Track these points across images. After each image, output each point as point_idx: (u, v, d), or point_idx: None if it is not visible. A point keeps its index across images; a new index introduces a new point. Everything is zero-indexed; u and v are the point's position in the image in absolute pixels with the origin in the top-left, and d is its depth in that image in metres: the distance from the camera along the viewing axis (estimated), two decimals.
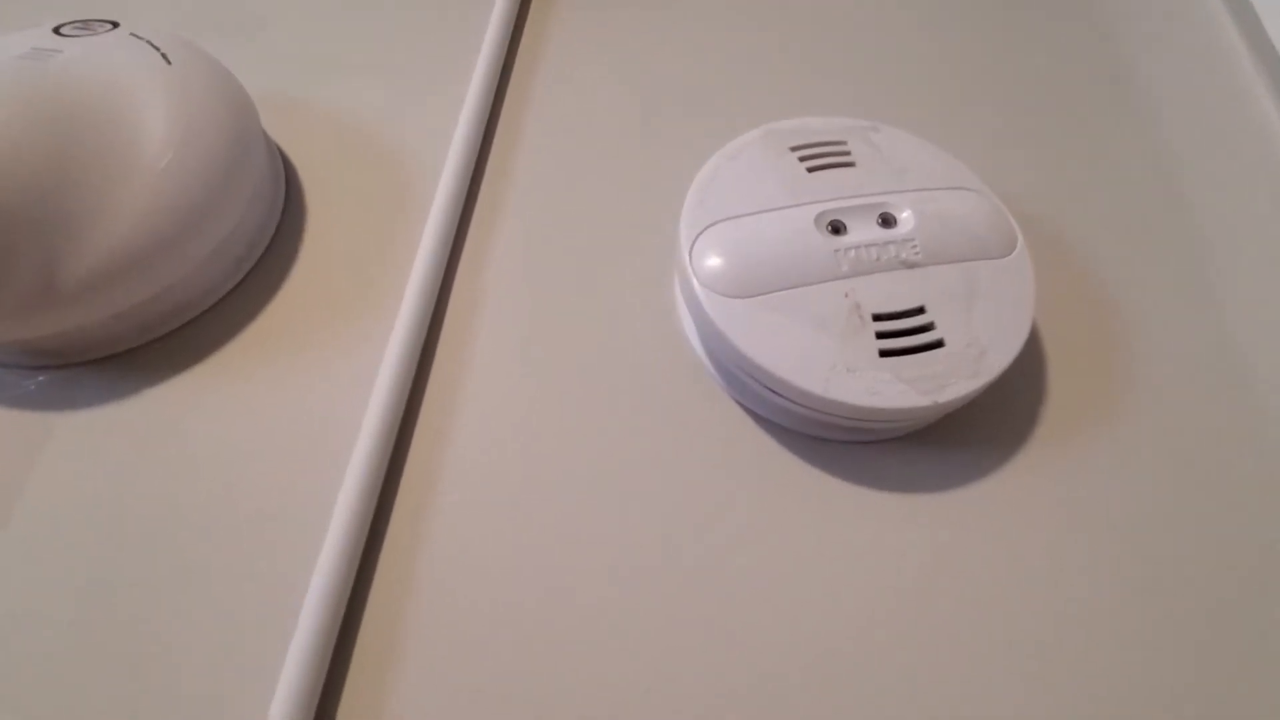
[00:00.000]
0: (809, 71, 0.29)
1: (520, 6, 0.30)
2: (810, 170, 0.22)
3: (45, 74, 0.20)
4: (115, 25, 0.22)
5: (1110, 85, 0.29)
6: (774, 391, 0.19)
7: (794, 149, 0.23)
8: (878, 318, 0.19)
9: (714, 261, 0.20)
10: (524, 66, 0.29)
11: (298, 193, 0.25)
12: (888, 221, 0.21)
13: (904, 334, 0.19)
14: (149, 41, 0.22)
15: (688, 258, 0.21)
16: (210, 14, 0.29)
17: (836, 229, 0.21)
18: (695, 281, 0.20)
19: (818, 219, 0.21)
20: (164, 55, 0.21)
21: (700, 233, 0.21)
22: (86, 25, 0.22)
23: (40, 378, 0.21)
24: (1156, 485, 0.21)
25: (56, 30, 0.22)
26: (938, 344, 0.19)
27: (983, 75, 0.29)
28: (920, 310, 0.20)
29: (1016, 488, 0.20)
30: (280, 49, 0.29)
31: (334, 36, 0.29)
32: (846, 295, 0.20)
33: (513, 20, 0.29)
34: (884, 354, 0.19)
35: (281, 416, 0.21)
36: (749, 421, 0.21)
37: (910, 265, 0.20)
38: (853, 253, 0.20)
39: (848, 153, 0.23)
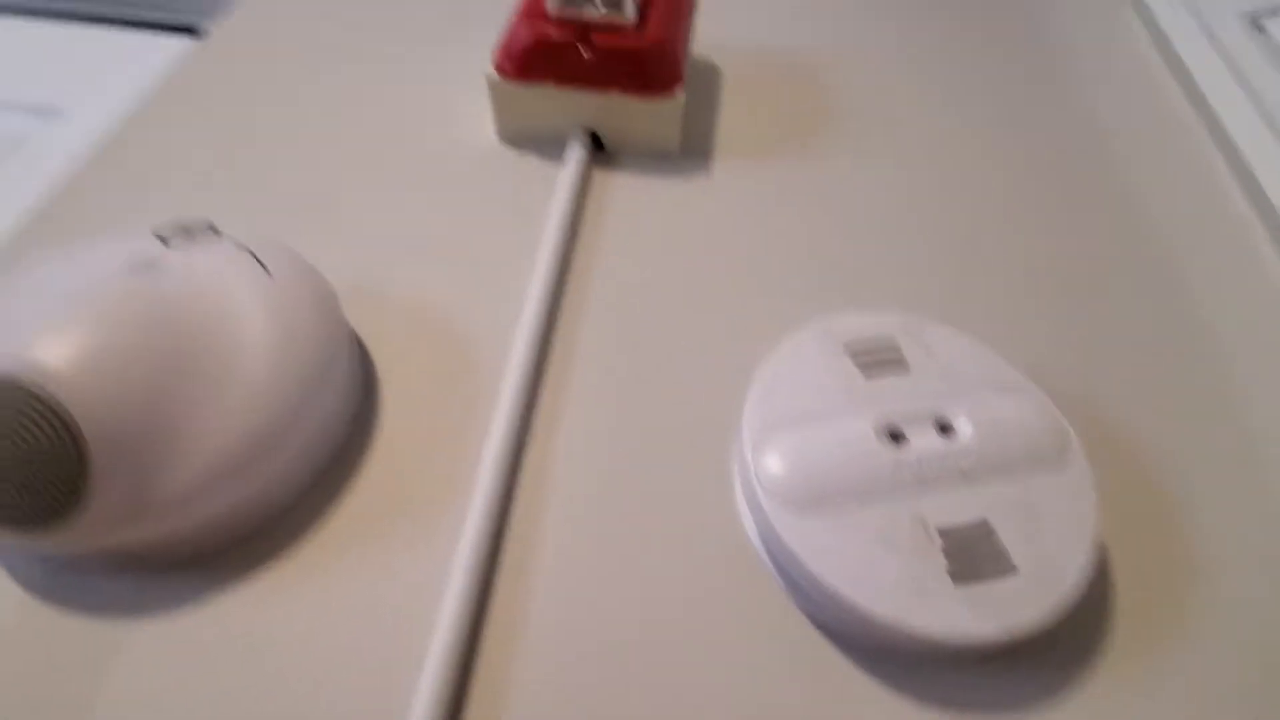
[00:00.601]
0: (856, 259, 0.31)
1: (579, 194, 0.32)
2: (866, 374, 0.23)
3: (153, 289, 0.21)
4: (214, 229, 0.24)
5: (1153, 271, 0.31)
6: (840, 610, 0.20)
7: (848, 349, 0.24)
8: (945, 536, 0.20)
9: (779, 473, 0.21)
10: (583, 257, 0.30)
11: (373, 381, 0.26)
12: (945, 429, 0.22)
13: (972, 555, 0.20)
14: (250, 250, 0.24)
15: (752, 468, 0.21)
16: (285, 202, 0.32)
17: (896, 437, 0.22)
18: (760, 493, 0.21)
19: (878, 428, 0.22)
20: (264, 265, 0.23)
21: (763, 440, 0.22)
22: (188, 230, 0.24)
23: (112, 584, 0.21)
24: (1233, 704, 0.20)
25: (159, 236, 0.24)
26: (1007, 566, 0.19)
27: (1023, 264, 0.31)
28: (985, 526, 0.20)
29: (1087, 713, 0.20)
30: (353, 234, 0.31)
31: (403, 221, 0.31)
32: (912, 511, 0.20)
33: (573, 208, 0.31)
34: (953, 577, 0.19)
35: (355, 616, 0.21)
36: (810, 629, 0.21)
37: (971, 478, 0.21)
38: (915, 465, 0.21)
39: (900, 353, 0.24)
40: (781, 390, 0.23)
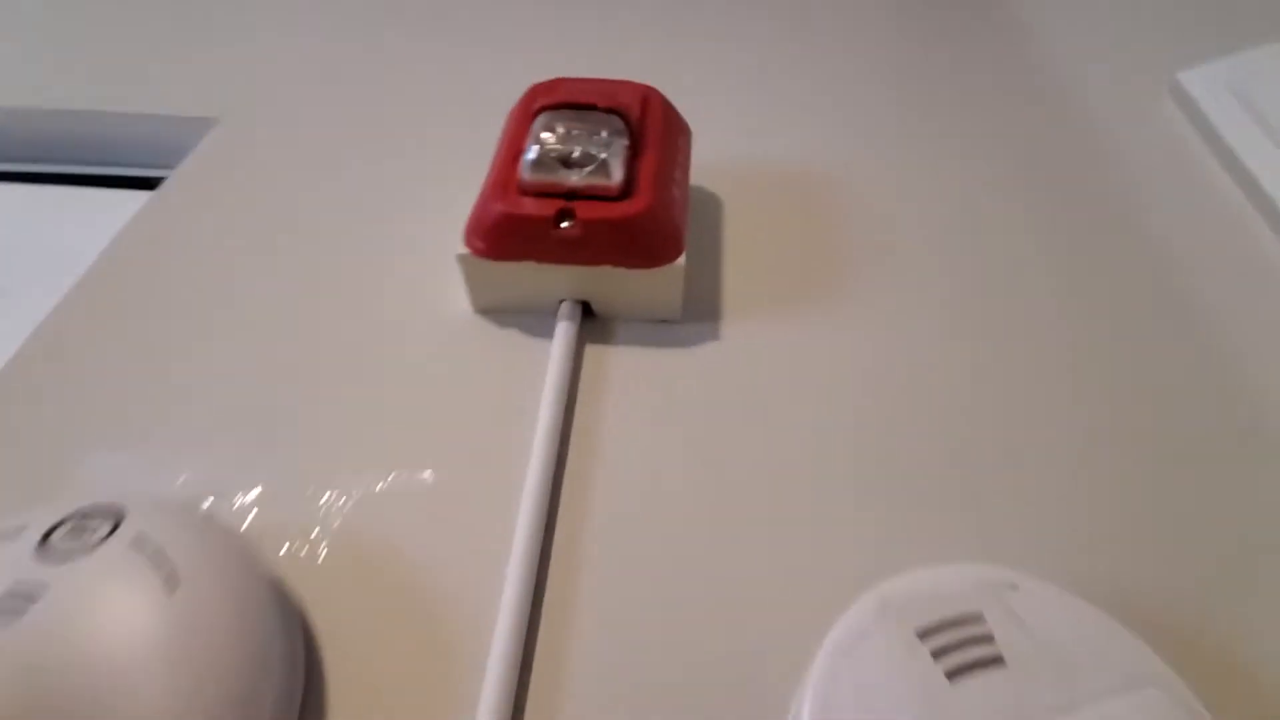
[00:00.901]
0: (897, 450, 0.26)
1: (570, 381, 0.27)
2: (950, 676, 0.18)
3: (17, 650, 0.16)
4: (117, 524, 0.19)
5: (1257, 458, 0.25)
6: None
7: (922, 635, 0.18)
8: None
9: None
10: (577, 478, 0.25)
11: (318, 682, 0.21)
12: None
13: None
14: (154, 549, 0.19)
15: None
16: (223, 407, 0.27)
17: None
18: None
19: None
20: (168, 574, 0.18)
21: None
22: (84, 526, 0.19)
23: None
24: None
25: (45, 538, 0.19)
26: None
27: (1096, 451, 0.26)
28: None
29: None
30: (301, 449, 0.26)
31: (362, 429, 0.27)
32: None
33: (563, 401, 0.26)
34: None
35: None
36: None
37: None
38: None
39: (990, 637, 0.18)
40: (842, 712, 0.18)
